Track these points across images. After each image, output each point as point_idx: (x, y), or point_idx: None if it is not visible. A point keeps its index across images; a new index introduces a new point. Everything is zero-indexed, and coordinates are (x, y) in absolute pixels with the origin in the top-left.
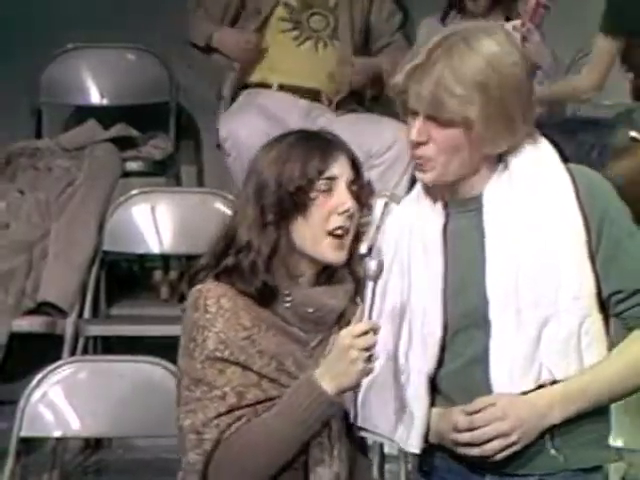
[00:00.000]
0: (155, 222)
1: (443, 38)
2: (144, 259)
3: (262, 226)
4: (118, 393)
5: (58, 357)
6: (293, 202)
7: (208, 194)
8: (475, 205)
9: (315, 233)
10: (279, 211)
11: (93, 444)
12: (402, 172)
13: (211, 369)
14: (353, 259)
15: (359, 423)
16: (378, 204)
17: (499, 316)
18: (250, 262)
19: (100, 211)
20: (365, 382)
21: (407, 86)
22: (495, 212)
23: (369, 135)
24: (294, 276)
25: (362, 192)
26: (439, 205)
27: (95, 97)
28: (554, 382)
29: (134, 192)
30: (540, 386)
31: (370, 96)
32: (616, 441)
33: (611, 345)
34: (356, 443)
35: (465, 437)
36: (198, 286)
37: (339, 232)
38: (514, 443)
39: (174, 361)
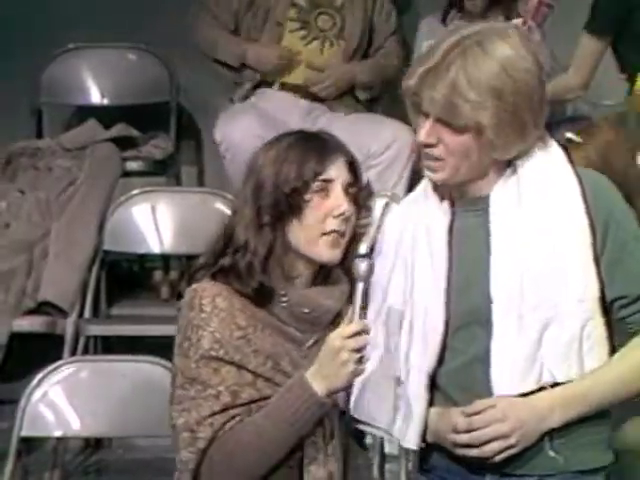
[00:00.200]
0: (155, 222)
1: (457, 41)
2: (144, 259)
3: (259, 227)
4: (118, 393)
5: (58, 357)
6: (289, 203)
7: (208, 194)
8: (482, 205)
9: (310, 235)
10: (275, 212)
11: (93, 444)
12: (401, 172)
13: (206, 368)
14: (349, 260)
15: (357, 417)
16: (378, 204)
17: (502, 318)
18: (247, 263)
19: (100, 211)
20: (363, 378)
21: (420, 89)
22: (502, 213)
23: (368, 135)
24: (290, 277)
25: (360, 195)
26: (446, 203)
27: (96, 97)
28: (555, 384)
29: (134, 192)
30: (541, 388)
31: (369, 97)
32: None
33: (613, 350)
34: (353, 441)
35: (464, 438)
36: (194, 285)
37: (334, 235)
38: (513, 445)
39: None
